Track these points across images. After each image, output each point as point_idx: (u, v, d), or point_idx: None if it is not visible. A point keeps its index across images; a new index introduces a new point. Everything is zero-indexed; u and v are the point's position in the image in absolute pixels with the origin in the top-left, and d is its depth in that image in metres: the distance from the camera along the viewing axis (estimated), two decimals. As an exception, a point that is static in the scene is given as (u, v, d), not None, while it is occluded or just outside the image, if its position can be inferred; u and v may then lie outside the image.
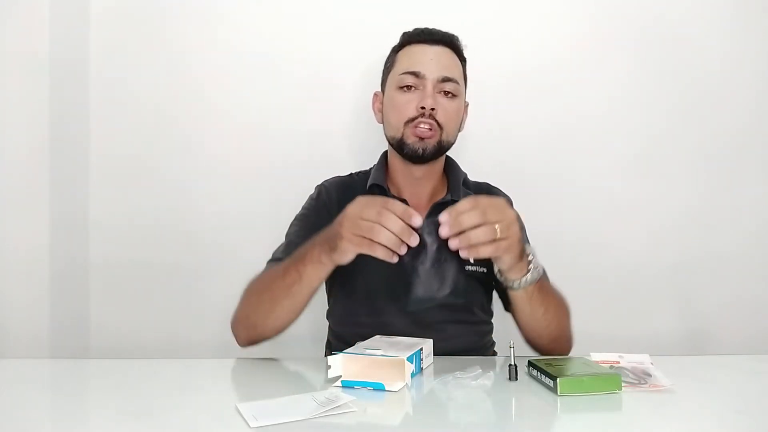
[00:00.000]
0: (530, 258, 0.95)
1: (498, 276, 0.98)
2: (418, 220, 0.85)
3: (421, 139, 1.14)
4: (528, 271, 0.94)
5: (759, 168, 1.61)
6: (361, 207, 0.88)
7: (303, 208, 1.24)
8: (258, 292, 1.04)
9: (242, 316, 1.05)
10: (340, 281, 1.16)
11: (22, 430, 0.72)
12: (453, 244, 0.84)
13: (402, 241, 0.84)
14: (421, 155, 1.14)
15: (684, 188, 1.60)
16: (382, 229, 0.84)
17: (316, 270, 0.95)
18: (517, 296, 0.99)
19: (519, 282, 0.95)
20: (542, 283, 0.99)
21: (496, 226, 0.85)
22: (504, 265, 0.93)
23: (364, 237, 0.85)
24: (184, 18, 1.56)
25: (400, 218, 0.84)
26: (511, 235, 0.87)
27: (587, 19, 1.58)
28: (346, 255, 0.90)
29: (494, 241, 0.85)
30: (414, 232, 0.84)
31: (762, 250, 1.60)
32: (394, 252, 0.85)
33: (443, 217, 0.84)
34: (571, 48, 1.58)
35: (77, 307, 1.55)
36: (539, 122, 1.57)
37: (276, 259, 1.14)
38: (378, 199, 0.88)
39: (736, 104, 1.60)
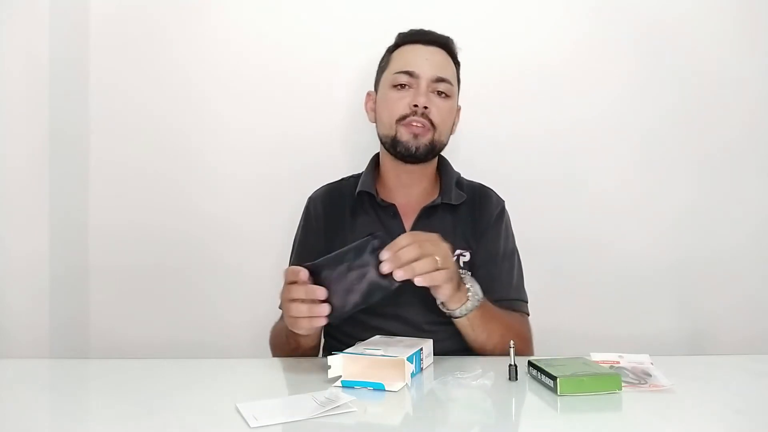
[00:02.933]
0: (468, 286, 1.00)
1: (441, 307, 1.01)
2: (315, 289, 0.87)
3: (415, 136, 1.14)
4: (467, 299, 0.99)
5: (759, 168, 1.60)
6: (282, 289, 0.93)
7: (298, 228, 1.27)
8: (275, 346, 1.17)
9: (275, 355, 1.18)
10: None
11: (22, 430, 0.72)
12: (398, 275, 0.88)
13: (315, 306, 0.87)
14: (414, 153, 1.15)
15: (684, 188, 1.59)
16: (292, 305, 0.89)
17: (308, 340, 1.03)
18: (460, 323, 1.03)
19: (459, 310, 0.99)
20: (485, 310, 1.02)
21: (436, 257, 0.91)
22: (444, 296, 0.97)
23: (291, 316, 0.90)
24: (182, 23, 1.55)
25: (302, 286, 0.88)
26: (449, 266, 0.94)
27: (586, 20, 1.58)
28: (300, 335, 0.97)
29: (436, 270, 0.91)
30: (318, 293, 0.86)
31: (762, 250, 1.59)
32: (311, 324, 0.89)
33: (384, 254, 0.88)
34: (570, 49, 1.57)
35: (77, 309, 1.54)
36: (538, 124, 1.57)
37: None
38: (286, 276, 0.92)
39: (736, 105, 1.59)
